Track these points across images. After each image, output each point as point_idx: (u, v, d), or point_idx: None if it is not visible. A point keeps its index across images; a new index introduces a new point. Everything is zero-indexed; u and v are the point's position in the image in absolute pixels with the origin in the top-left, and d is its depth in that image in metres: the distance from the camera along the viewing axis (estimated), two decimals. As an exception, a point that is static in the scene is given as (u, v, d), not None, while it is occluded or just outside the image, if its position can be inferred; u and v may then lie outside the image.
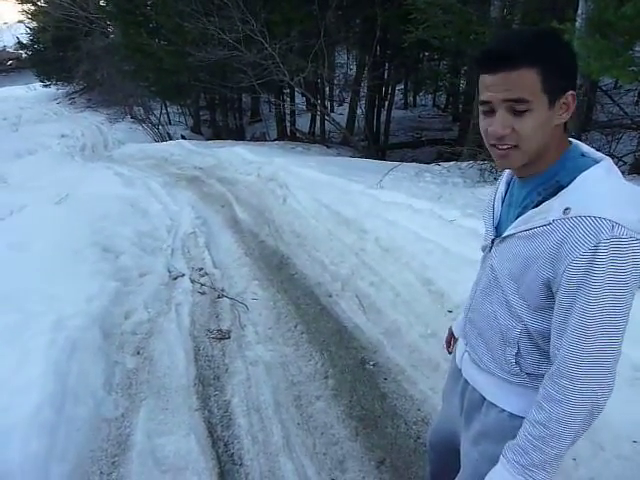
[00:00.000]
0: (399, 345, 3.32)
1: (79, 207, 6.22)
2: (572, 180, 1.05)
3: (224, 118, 17.75)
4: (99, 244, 4.78)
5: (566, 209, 1.01)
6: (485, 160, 8.05)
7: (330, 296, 4.07)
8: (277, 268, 4.70)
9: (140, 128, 18.50)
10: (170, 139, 16.64)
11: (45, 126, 20.37)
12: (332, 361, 3.22)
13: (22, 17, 28.82)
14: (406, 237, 4.48)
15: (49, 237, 4.98)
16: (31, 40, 28.25)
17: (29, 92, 31.22)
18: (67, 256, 4.47)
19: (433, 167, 8.50)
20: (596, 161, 1.08)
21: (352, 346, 3.37)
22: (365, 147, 12.91)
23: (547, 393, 1.08)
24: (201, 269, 4.64)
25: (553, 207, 1.05)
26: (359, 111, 14.60)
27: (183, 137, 16.35)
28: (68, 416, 2.48)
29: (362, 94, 14.64)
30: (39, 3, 26.09)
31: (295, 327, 3.64)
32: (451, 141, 11.34)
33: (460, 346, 1.48)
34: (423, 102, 21.33)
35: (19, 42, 29.74)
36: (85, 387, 2.74)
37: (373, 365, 3.17)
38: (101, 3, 21.15)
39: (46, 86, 29.61)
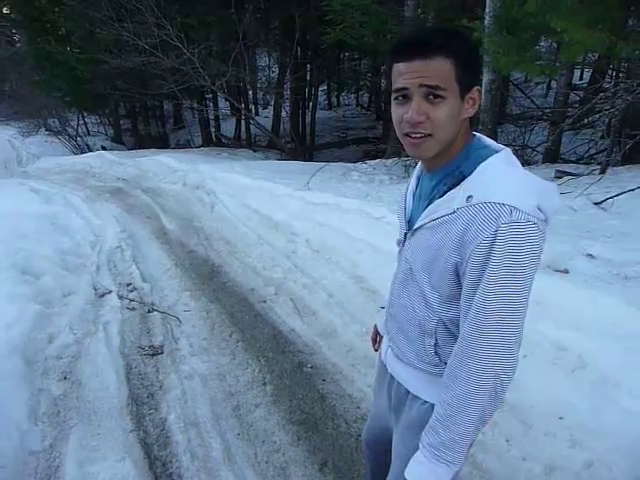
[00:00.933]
0: (335, 345, 3.34)
1: (-8, 228, 5.84)
2: (474, 170, 1.09)
3: (146, 126, 17.26)
4: (16, 266, 4.49)
5: (468, 197, 1.06)
6: (409, 156, 8.28)
7: (264, 301, 4.04)
8: (208, 277, 4.62)
9: (56, 141, 17.66)
10: (90, 151, 16.00)
11: (-51, 143, 19.03)
12: (269, 367, 3.19)
13: None
14: (336, 237, 4.52)
15: (-41, 263, 4.65)
16: None
17: None
18: (-20, 281, 4.19)
19: (360, 166, 8.65)
20: (496, 152, 1.12)
21: (289, 350, 3.36)
22: (292, 149, 12.95)
23: (451, 372, 1.12)
24: (129, 284, 4.48)
25: (457, 196, 1.09)
26: (284, 113, 14.63)
27: (104, 148, 15.77)
28: (-11, 453, 2.32)
29: (286, 96, 14.68)
30: None
31: (230, 336, 3.58)
32: (375, 139, 11.59)
33: (384, 342, 1.50)
34: (347, 102, 21.66)
35: None
36: (8, 420, 2.57)
37: (311, 368, 3.17)
38: (4, 11, 19.98)
39: (-52, 100, 27.59)
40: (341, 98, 21.59)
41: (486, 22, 5.88)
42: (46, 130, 18.82)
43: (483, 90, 6.62)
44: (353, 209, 4.93)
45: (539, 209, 1.02)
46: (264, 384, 3.03)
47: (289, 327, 3.63)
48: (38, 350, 3.28)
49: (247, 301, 4.07)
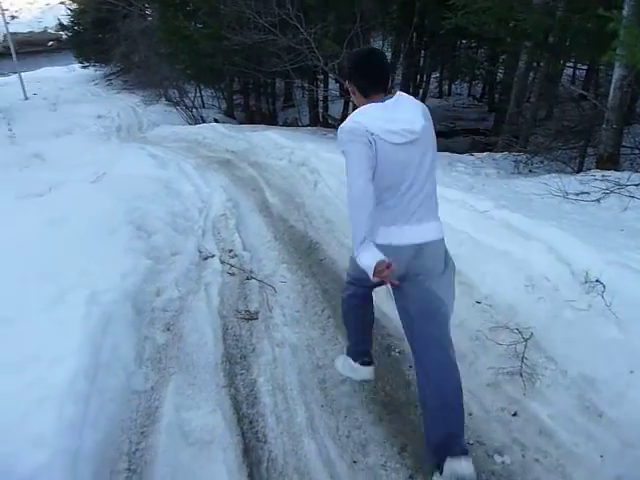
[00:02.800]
0: (425, 333, 3.30)
1: (114, 186, 6.34)
2: None
3: (257, 102, 17.80)
4: (133, 223, 4.88)
5: None
6: (520, 152, 7.91)
7: (357, 282, 4.06)
8: (306, 253, 4.73)
9: (174, 110, 18.68)
10: (203, 122, 16.77)
11: (82, 107, 20.76)
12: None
13: (63, -1, 29.29)
14: (437, 227, 4.43)
15: (85, 214, 5.09)
16: (71, 21, 28.71)
17: (68, 73, 31.88)
18: (102, 233, 4.58)
19: (466, 157, 8.40)
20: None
21: (378, 333, 3.37)
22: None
23: None
24: (231, 251, 4.70)
25: None
26: (392, 98, 14.45)
27: (216, 120, 16.44)
28: (101, 387, 2.56)
29: (396, 81, 14.48)
30: (80, -15, 26.45)
31: (322, 311, 3.66)
32: (486, 131, 11.17)
33: (412, 238, 2.08)
34: (458, 91, 20.99)
35: (60, 23, 30.28)
36: (117, 360, 2.82)
37: (399, 353, 3.17)
38: (141, -15, 21.31)
39: (84, 67, 30.16)
40: (453, 87, 20.96)
41: (625, 12, 5.43)
42: (166, 100, 19.96)
43: (612, 87, 6.15)
44: (457, 200, 4.80)
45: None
46: (351, 361, 3.07)
47: (381, 311, 3.63)
48: (146, 301, 3.55)
49: (341, 280, 4.10)
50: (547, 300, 3.06)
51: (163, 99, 20.36)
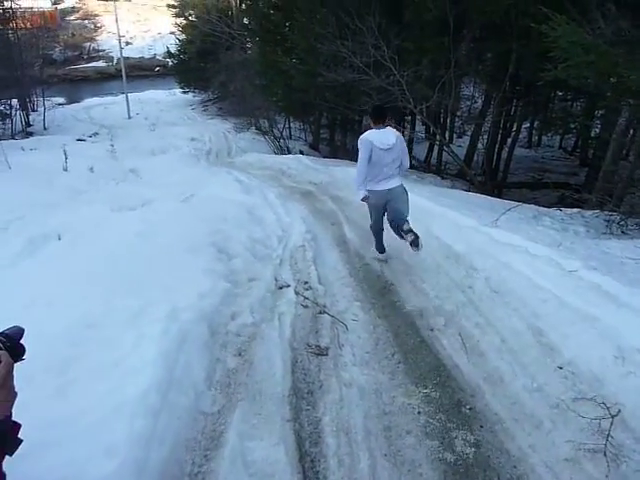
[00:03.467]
0: (500, 394, 3.15)
1: (201, 207, 6.61)
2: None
3: (343, 138, 18.10)
4: (215, 245, 5.04)
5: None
6: (614, 211, 7.51)
7: (432, 330, 3.96)
8: (380, 293, 4.67)
9: (262, 139, 19.36)
10: (289, 153, 17.24)
11: (178, 129, 21.99)
12: (427, 397, 3.12)
13: (174, 29, 31.61)
14: (519, 281, 4.26)
15: (172, 232, 5.34)
16: (178, 50, 30.77)
17: (169, 96, 34.03)
18: (185, 251, 4.76)
19: (554, 212, 8.05)
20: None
21: (449, 385, 3.26)
22: (481, 182, 12.56)
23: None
24: (306, 283, 4.73)
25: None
26: (480, 145, 14.25)
27: (301, 152, 16.86)
28: (171, 403, 2.61)
29: (485, 128, 14.29)
30: (190, 18, 28.39)
31: (392, 355, 3.58)
32: (576, 186, 10.72)
33: (382, 190, 4.82)
34: (548, 142, 20.38)
35: (168, 51, 32.61)
36: (189, 378, 2.88)
37: (469, 409, 3.03)
38: (244, 21, 22.57)
39: (184, 92, 32.13)
40: (543, 138, 20.38)
41: None
42: (256, 129, 20.74)
43: None
44: (542, 256, 4.60)
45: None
46: (419, 413, 2.97)
47: (453, 362, 3.52)
48: (221, 324, 3.62)
49: (414, 325, 4.03)
50: (639, 376, 2.83)
51: (253, 127, 21.19)
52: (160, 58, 41.07)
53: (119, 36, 29.72)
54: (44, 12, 39.85)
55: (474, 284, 4.53)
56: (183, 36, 30.49)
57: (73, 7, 49.86)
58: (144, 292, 3.74)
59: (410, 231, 4.73)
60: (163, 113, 27.98)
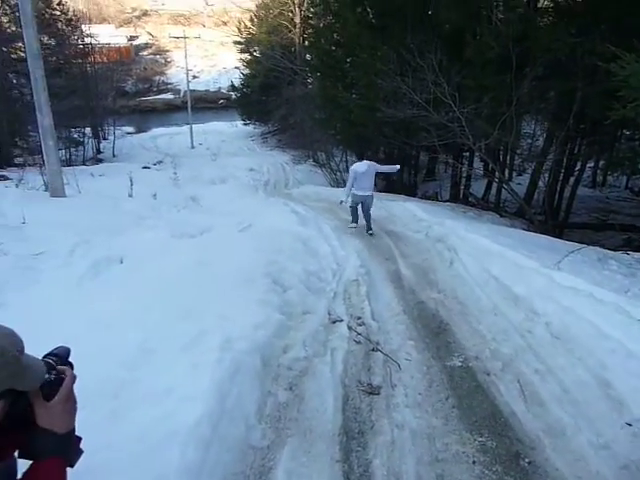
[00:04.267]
0: (562, 448, 2.97)
1: (258, 237, 6.72)
2: None
3: (399, 173, 18.09)
4: (270, 275, 5.09)
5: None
6: (686, 257, 7.10)
7: (488, 374, 3.81)
8: (435, 332, 4.56)
9: (319, 171, 19.67)
10: (345, 186, 17.37)
11: (238, 159, 22.67)
12: (482, 446, 2.98)
13: (239, 64, 32.98)
14: (583, 328, 4.06)
15: (229, 260, 5.44)
16: (242, 84, 32.04)
17: (231, 128, 35.33)
18: (241, 281, 4.83)
19: (620, 255, 7.70)
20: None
21: (506, 435, 3.10)
22: (542, 222, 12.18)
23: None
24: (359, 318, 4.68)
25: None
26: (540, 183, 13.88)
27: (357, 186, 16.95)
28: (221, 435, 2.61)
29: (546, 167, 13.93)
30: (255, 54, 29.54)
31: (446, 399, 3.46)
32: (645, 230, 10.22)
33: (361, 195, 8.51)
34: (614, 182, 19.61)
35: (232, 85, 34.11)
36: (240, 410, 2.87)
37: (528, 463, 2.87)
38: (307, 57, 23.23)
39: (246, 124, 33.31)
40: (608, 177, 19.63)
41: None
42: (313, 161, 21.15)
43: None
44: (609, 302, 4.37)
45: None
46: (473, 462, 2.84)
47: (511, 410, 3.36)
48: (274, 356, 3.62)
49: (470, 369, 3.89)
50: None
51: (310, 160, 21.59)
52: (224, 91, 42.88)
53: (187, 70, 31.25)
54: (120, 47, 42.57)
55: (534, 328, 4.36)
56: (247, 70, 31.77)
57: (146, 43, 53.04)
58: (200, 319, 3.81)
59: (371, 234, 8.42)
60: (224, 144, 28.96)
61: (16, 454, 1.14)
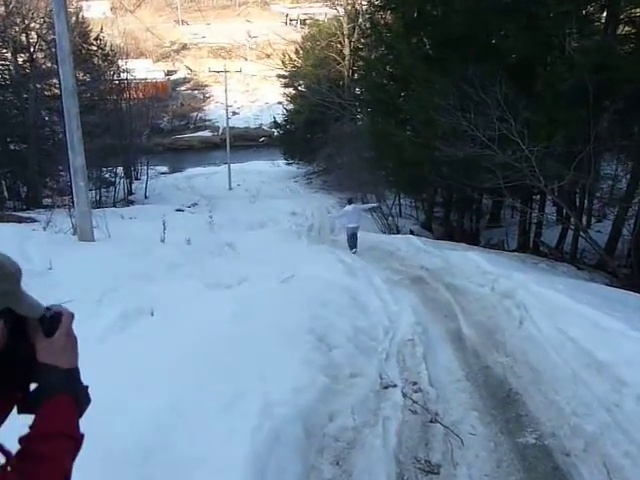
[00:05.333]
0: None
1: (300, 289, 6.78)
2: None
3: (459, 218, 18.02)
4: (314, 332, 5.10)
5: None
6: None
7: (567, 455, 3.65)
8: (503, 403, 4.43)
9: (369, 216, 19.76)
10: (398, 232, 17.42)
11: (279, 202, 23.14)
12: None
13: (282, 99, 34.11)
14: (684, 404, 3.87)
15: (269, 315, 5.49)
16: (285, 120, 33.04)
17: (272, 167, 36.26)
18: (282, 338, 4.86)
19: None
20: None
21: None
22: (627, 276, 11.79)
23: None
24: (415, 383, 4.60)
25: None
26: (625, 231, 13.51)
27: (412, 232, 16.97)
28: (259, 515, 2.59)
29: (631, 212, 13.59)
30: (300, 88, 30.53)
31: (519, 483, 3.33)
32: None
33: (351, 227, 13.22)
34: None
35: (274, 121, 35.11)
36: (281, 488, 2.85)
37: None
38: (356, 91, 23.84)
39: (288, 164, 34.12)
40: None
41: None
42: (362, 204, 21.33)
43: None
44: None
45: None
46: None
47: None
48: (318, 425, 3.60)
49: (546, 447, 3.74)
50: None
51: (360, 203, 21.79)
52: (266, 128, 44.19)
53: (227, 106, 32.52)
54: (156, 82, 44.83)
55: (622, 402, 4.16)
56: (291, 106, 32.82)
57: (184, 78, 55.67)
58: (236, 380, 3.84)
59: (354, 252, 12.41)
60: (264, 185, 29.67)
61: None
